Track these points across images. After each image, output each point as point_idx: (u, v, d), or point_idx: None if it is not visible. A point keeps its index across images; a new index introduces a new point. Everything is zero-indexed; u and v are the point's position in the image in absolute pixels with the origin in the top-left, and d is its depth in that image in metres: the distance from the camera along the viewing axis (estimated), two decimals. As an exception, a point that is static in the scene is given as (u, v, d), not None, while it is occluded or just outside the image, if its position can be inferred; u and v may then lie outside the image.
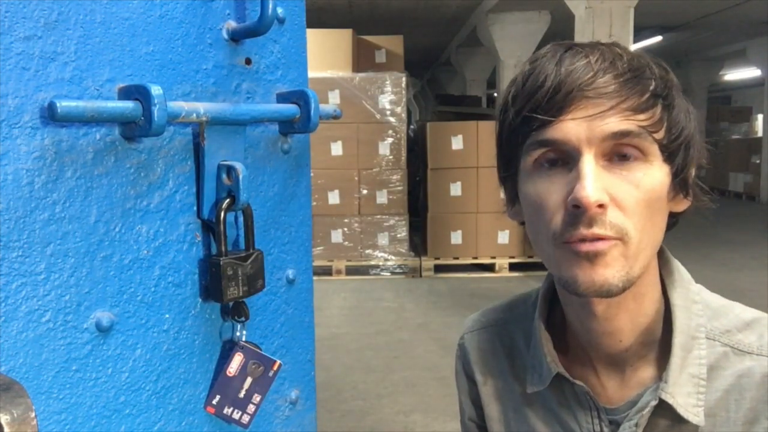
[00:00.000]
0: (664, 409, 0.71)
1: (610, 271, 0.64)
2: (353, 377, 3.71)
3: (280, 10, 0.83)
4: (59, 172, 0.62)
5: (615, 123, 0.64)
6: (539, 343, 0.77)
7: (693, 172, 0.71)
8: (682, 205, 0.72)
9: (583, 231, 0.64)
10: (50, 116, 0.59)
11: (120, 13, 0.67)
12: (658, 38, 10.11)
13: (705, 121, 14.68)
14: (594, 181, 0.63)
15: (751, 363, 0.70)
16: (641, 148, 0.65)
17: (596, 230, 0.64)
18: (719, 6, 8.40)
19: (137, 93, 0.64)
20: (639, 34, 8.44)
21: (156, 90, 0.63)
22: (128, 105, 0.64)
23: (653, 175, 0.66)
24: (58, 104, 0.58)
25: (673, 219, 0.73)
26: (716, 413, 0.71)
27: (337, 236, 6.46)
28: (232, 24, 0.78)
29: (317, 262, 6.10)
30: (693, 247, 6.87)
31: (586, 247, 0.64)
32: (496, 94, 10.03)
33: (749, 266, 6.32)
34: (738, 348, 0.71)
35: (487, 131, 6.63)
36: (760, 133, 13.35)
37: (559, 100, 0.65)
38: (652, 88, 0.65)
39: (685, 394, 0.70)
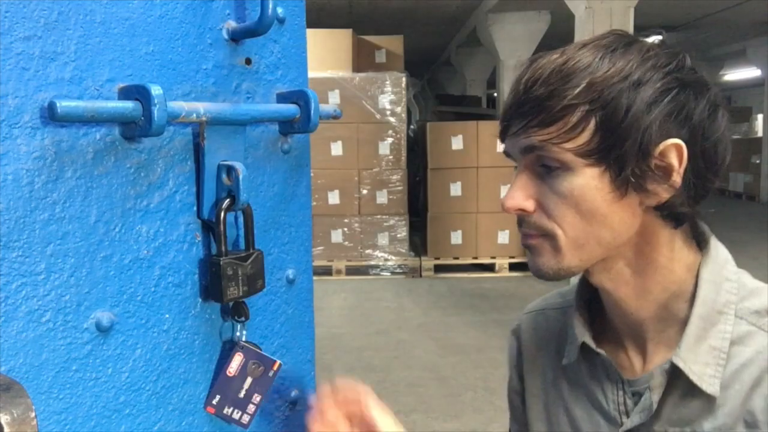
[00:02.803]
0: (680, 379, 0.73)
1: (540, 260, 0.75)
2: (353, 377, 3.71)
3: (280, 10, 0.83)
4: (59, 172, 0.62)
5: (523, 140, 0.73)
6: (573, 318, 0.84)
7: (652, 162, 0.70)
8: (660, 195, 0.72)
9: (518, 227, 0.77)
10: (50, 116, 0.59)
11: (120, 13, 0.67)
12: (658, 38, 10.07)
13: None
14: (516, 190, 0.74)
15: None
16: (553, 158, 0.71)
17: (523, 228, 0.76)
18: (719, 6, 8.40)
19: (137, 93, 0.64)
20: (639, 34, 8.41)
21: (156, 90, 0.63)
22: (128, 105, 0.63)
23: (573, 181, 0.71)
24: (58, 104, 0.58)
25: (665, 211, 0.73)
26: (730, 385, 0.72)
27: (337, 236, 6.46)
28: (232, 24, 0.78)
29: (317, 262, 6.10)
30: (693, 247, 6.85)
31: (523, 243, 0.77)
32: (496, 94, 10.03)
33: (749, 266, 6.24)
34: (764, 329, 0.72)
35: (487, 131, 6.63)
36: (760, 133, 13.34)
37: (505, 119, 0.76)
38: (567, 99, 0.69)
39: (702, 364, 0.72)
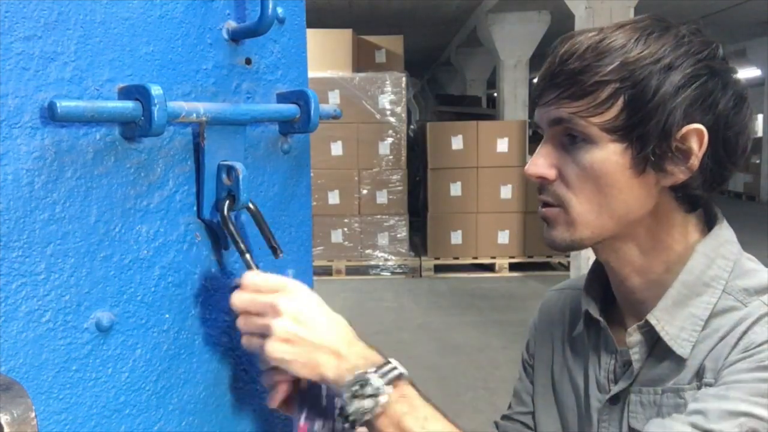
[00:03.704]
0: (658, 344, 0.77)
1: (554, 233, 0.79)
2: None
3: (280, 10, 0.83)
4: (59, 172, 0.62)
5: (552, 111, 0.76)
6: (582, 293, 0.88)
7: (673, 144, 0.73)
8: (677, 176, 0.74)
9: (538, 195, 0.80)
10: (50, 116, 0.59)
11: (120, 13, 0.67)
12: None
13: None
14: (540, 158, 0.78)
15: (751, 310, 0.73)
16: (579, 131, 0.74)
17: (542, 196, 0.79)
18: (719, 6, 8.40)
19: (137, 93, 0.64)
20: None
21: (156, 90, 0.63)
22: (128, 105, 0.63)
23: (596, 154, 0.74)
24: (58, 104, 0.58)
25: (680, 192, 0.76)
26: (696, 346, 0.74)
27: (337, 236, 6.46)
28: (232, 24, 0.78)
29: (317, 262, 6.10)
30: (693, 247, 6.84)
31: (540, 213, 0.80)
32: (496, 94, 10.04)
33: (749, 266, 6.29)
34: (746, 306, 0.74)
35: (487, 131, 6.63)
36: (760, 133, 13.34)
37: (537, 89, 0.79)
38: (599, 75, 0.72)
39: (677, 327, 0.75)
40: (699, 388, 0.73)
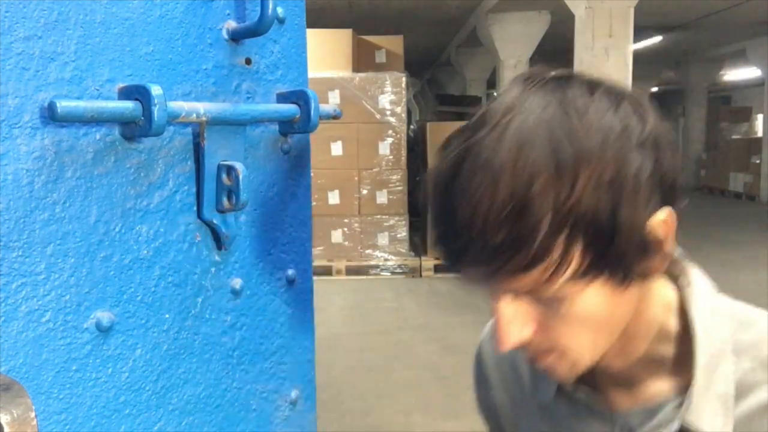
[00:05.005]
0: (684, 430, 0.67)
1: (558, 373, 0.67)
2: (353, 377, 3.71)
3: (280, 10, 0.83)
4: (59, 172, 0.62)
5: (501, 285, 0.61)
6: None
7: (648, 247, 0.60)
8: (658, 266, 0.63)
9: (522, 353, 0.68)
10: (50, 116, 0.59)
11: (120, 13, 0.67)
12: (658, 38, 10.11)
13: (705, 121, 14.69)
14: (509, 324, 0.62)
15: None
16: (549, 294, 0.60)
17: (529, 353, 0.65)
18: (719, 6, 8.39)
19: (137, 93, 0.64)
20: (639, 34, 8.44)
21: (156, 90, 0.63)
22: (128, 105, 0.63)
23: (578, 304, 0.60)
24: (58, 104, 0.58)
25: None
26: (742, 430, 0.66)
27: (337, 236, 6.46)
28: (232, 24, 0.78)
29: (317, 262, 6.10)
30: (693, 246, 6.85)
31: (533, 363, 0.68)
32: (496, 94, 10.03)
33: (749, 266, 6.31)
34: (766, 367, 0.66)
35: (487, 131, 6.61)
36: (760, 133, 13.34)
37: (453, 259, 0.62)
38: (540, 237, 0.55)
39: (711, 415, 0.66)
40: None
